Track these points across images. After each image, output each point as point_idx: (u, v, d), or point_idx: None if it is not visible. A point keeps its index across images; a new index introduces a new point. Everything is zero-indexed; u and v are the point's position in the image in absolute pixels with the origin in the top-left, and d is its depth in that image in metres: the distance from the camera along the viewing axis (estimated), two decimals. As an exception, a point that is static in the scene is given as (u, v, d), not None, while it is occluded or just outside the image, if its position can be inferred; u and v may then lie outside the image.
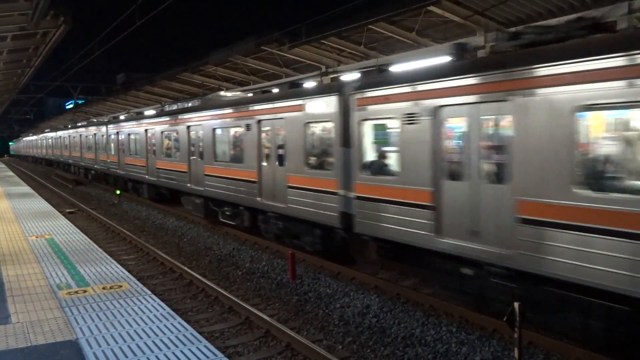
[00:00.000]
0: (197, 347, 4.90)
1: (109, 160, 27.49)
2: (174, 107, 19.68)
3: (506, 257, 6.97)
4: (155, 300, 6.37)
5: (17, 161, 77.74)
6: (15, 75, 20.51)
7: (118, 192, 24.32)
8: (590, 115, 6.20)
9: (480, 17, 12.10)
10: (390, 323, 8.09)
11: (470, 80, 7.34)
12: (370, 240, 9.66)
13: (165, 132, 19.34)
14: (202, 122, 15.87)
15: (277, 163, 12.12)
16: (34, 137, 67.04)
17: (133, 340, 5.10)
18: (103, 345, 4.96)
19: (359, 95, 9.51)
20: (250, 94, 15.81)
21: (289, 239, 12.18)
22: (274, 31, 15.96)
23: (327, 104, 10.38)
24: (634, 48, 5.57)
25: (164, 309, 6.04)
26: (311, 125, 11.00)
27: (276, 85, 15.59)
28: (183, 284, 10.56)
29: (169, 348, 4.90)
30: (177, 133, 18.09)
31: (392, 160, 9.17)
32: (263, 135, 12.76)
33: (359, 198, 9.50)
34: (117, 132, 25.69)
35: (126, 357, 4.71)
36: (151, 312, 5.94)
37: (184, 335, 5.21)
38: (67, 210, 20.46)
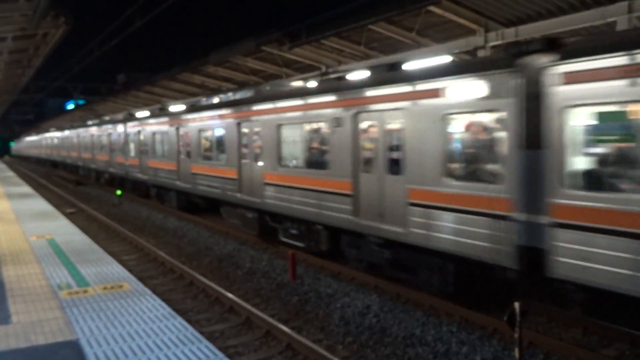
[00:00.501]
0: (198, 347, 4.90)
1: (127, 163, 24.43)
2: (213, 100, 17.20)
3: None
4: (155, 300, 6.38)
5: (19, 162, 76.85)
6: (15, 76, 20.55)
7: (119, 192, 24.25)
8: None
9: (481, 17, 12.11)
10: (390, 323, 8.09)
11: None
12: (573, 289, 6.71)
13: (205, 131, 16.40)
14: (261, 118, 12.83)
15: (387, 171, 9.10)
16: (38, 137, 63.21)
17: (134, 340, 5.11)
18: (104, 345, 4.97)
19: (568, 67, 6.31)
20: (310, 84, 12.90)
21: (396, 271, 9.43)
22: (274, 31, 15.98)
23: (492, 85, 7.20)
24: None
25: (165, 309, 6.05)
26: (455, 117, 7.95)
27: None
28: (184, 284, 10.56)
29: (169, 348, 4.90)
30: (222, 131, 15.08)
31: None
32: (362, 132, 9.71)
33: (561, 226, 6.41)
34: (139, 131, 22.57)
35: (127, 357, 4.71)
36: (152, 312, 5.95)
37: (184, 335, 5.21)
38: (68, 211, 20.47)
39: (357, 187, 9.71)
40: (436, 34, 13.77)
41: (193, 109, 17.66)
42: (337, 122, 10.09)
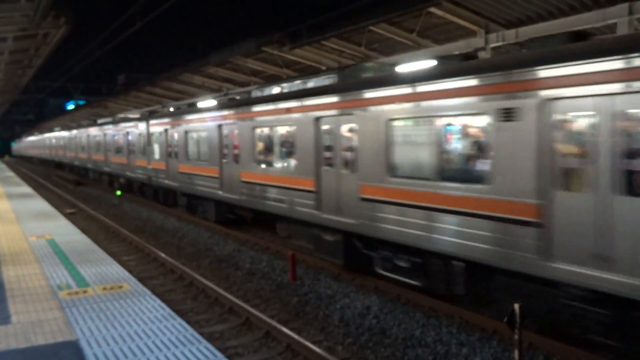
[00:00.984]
0: (198, 348, 4.90)
1: (150, 167, 21.22)
2: (273, 90, 13.37)
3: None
4: (155, 301, 6.38)
5: (20, 162, 76.57)
6: (16, 76, 20.57)
7: (119, 192, 24.26)
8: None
9: (481, 19, 12.13)
10: (390, 324, 8.09)
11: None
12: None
13: (261, 129, 13.23)
14: (364, 111, 9.46)
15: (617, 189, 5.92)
16: (42, 137, 59.66)
17: (133, 340, 5.11)
18: (103, 346, 4.97)
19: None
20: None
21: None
22: (274, 32, 15.99)
23: None
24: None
25: (164, 310, 6.05)
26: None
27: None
28: (183, 284, 10.56)
29: (169, 349, 4.90)
30: (290, 129, 11.92)
31: None
32: (555, 131, 6.54)
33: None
34: (166, 130, 19.45)
35: (126, 357, 4.71)
36: (151, 312, 5.95)
37: (184, 336, 5.21)
38: (68, 211, 20.48)
39: (550, 210, 6.57)
40: (436, 35, 13.78)
41: (244, 102, 14.32)
42: (506, 115, 7.03)
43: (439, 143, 8.15)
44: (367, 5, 12.87)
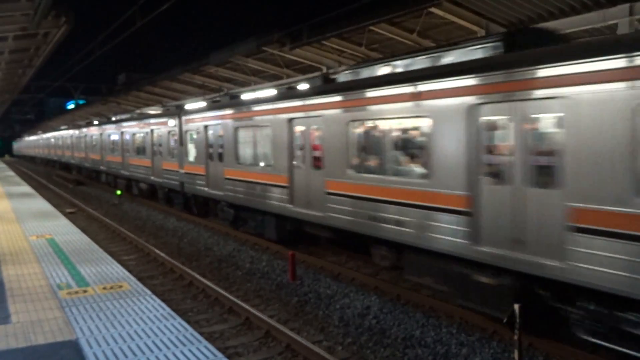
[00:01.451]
0: (197, 348, 4.90)
1: (182, 172, 17.76)
2: (379, 69, 9.71)
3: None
4: (155, 301, 6.38)
5: (21, 162, 76.37)
6: (16, 75, 20.55)
7: (119, 192, 24.25)
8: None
9: (482, 19, 12.13)
10: (390, 324, 8.09)
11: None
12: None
13: (354, 124, 9.82)
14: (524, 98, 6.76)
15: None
16: (46, 135, 54.64)
17: (133, 340, 5.11)
18: (103, 346, 4.97)
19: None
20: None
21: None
22: (275, 32, 15.99)
23: None
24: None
25: (164, 309, 6.05)
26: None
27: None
28: (183, 284, 10.56)
29: (169, 348, 4.90)
30: (417, 126, 8.71)
31: None
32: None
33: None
34: (206, 127, 15.91)
35: (126, 357, 4.71)
36: (151, 312, 5.95)
37: (184, 336, 5.21)
38: (68, 210, 20.48)
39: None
40: (437, 35, 13.79)
41: (323, 90, 10.79)
42: None
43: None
44: (367, 5, 12.88)
